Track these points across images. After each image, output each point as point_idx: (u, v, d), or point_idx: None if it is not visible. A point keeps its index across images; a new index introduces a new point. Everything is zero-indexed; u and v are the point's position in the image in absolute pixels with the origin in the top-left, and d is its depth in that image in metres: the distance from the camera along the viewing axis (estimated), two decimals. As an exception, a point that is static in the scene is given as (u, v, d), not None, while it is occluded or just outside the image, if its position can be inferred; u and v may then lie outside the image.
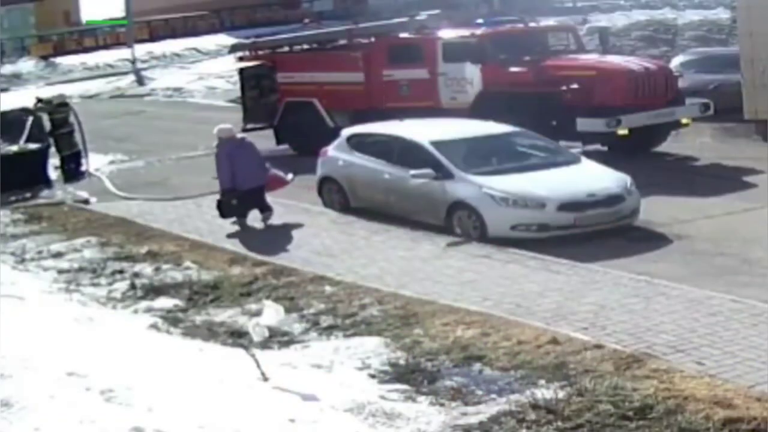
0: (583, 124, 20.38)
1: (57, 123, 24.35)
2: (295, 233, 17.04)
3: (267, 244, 16.44)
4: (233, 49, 29.14)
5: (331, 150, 19.02)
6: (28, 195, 21.77)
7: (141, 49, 52.93)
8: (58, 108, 24.63)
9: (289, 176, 19.32)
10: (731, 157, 21.23)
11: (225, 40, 46.72)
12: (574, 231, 15.73)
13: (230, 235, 17.19)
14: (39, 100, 25.21)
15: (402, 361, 10.84)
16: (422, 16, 25.43)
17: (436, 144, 17.08)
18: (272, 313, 10.96)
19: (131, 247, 16.66)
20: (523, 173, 16.56)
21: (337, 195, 18.62)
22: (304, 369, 10.76)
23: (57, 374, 9.91)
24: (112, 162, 25.38)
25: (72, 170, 24.06)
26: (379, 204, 17.74)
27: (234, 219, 17.87)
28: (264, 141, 25.67)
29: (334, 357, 11.08)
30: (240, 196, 17.79)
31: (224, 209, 17.84)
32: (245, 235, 17.21)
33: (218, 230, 17.55)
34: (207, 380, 10.15)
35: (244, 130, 26.08)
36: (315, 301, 13.14)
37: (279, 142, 25.66)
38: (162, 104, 39.16)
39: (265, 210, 18.01)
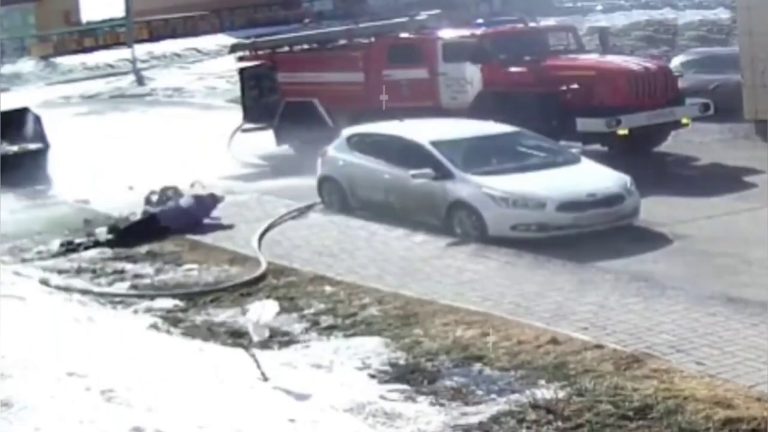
0: (583, 124, 20.37)
1: None
2: (294, 233, 17.00)
3: (267, 243, 16.39)
4: (233, 49, 29.09)
5: (331, 150, 19.04)
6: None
7: (141, 49, 52.84)
8: None
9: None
10: (731, 157, 21.20)
11: (225, 40, 46.59)
12: (574, 231, 15.70)
13: (229, 236, 17.15)
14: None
15: (402, 361, 10.83)
16: (422, 16, 25.36)
17: (436, 144, 17.09)
18: (259, 310, 10.92)
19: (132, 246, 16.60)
20: (523, 173, 16.56)
21: (337, 195, 18.62)
22: (304, 369, 10.75)
23: (57, 374, 9.89)
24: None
25: None
26: (379, 204, 17.73)
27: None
28: (264, 141, 25.75)
29: (334, 357, 11.07)
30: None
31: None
32: (245, 235, 17.17)
33: (218, 228, 17.52)
34: (207, 380, 10.13)
35: (244, 130, 26.20)
36: (315, 301, 13.13)
37: (279, 142, 25.70)
38: (162, 104, 39.10)
39: None
